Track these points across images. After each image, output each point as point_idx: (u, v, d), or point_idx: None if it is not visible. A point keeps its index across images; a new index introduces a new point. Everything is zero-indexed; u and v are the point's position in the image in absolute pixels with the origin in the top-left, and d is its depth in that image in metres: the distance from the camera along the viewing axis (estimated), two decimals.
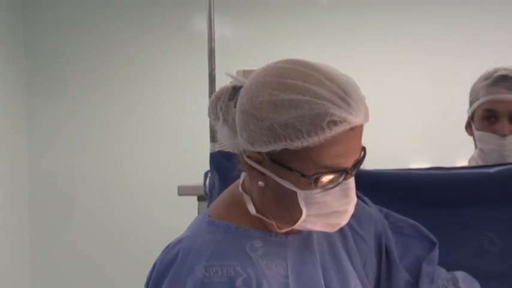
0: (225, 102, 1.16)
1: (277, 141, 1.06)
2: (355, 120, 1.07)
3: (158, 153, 4.43)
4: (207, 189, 1.30)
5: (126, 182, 4.46)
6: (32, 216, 4.56)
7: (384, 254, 1.36)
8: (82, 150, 4.53)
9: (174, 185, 2.33)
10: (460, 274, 1.40)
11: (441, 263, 1.63)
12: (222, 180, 2.00)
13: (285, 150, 1.07)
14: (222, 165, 2.00)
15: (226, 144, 1.19)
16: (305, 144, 1.05)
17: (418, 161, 4.16)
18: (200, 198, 2.22)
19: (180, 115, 4.36)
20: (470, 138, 2.10)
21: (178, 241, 1.17)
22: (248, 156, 1.12)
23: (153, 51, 4.50)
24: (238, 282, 1.10)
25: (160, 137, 4.43)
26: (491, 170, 1.76)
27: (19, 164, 4.55)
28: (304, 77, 1.07)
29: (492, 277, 1.74)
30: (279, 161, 1.08)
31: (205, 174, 1.30)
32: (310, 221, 1.13)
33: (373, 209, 1.38)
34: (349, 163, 1.10)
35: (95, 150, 4.52)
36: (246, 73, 2.30)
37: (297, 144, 1.05)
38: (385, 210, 1.40)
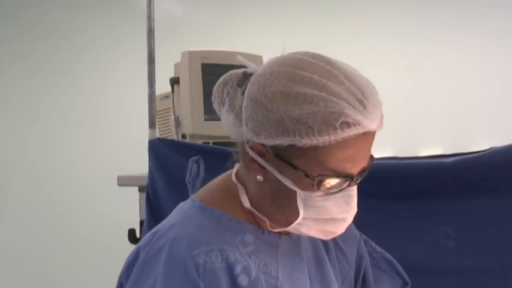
0: (233, 87, 1.15)
1: (284, 136, 1.05)
2: (369, 125, 1.06)
3: (96, 140, 4.35)
4: (191, 177, 1.28)
5: (63, 170, 4.37)
6: None
7: (360, 279, 1.36)
8: (16, 137, 4.44)
9: (114, 175, 2.28)
10: None
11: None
12: (161, 169, 2.02)
13: (292, 146, 1.06)
14: (162, 153, 2.02)
15: (228, 132, 1.17)
16: (314, 142, 1.04)
17: (380, 151, 4.17)
18: (141, 189, 2.20)
19: (119, 99, 4.30)
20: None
21: (170, 226, 1.16)
22: (251, 147, 1.11)
23: (92, 31, 4.38)
24: (238, 269, 1.11)
25: (99, 122, 4.35)
26: (448, 160, 1.78)
27: None
28: (322, 71, 1.07)
29: (447, 274, 1.77)
30: (283, 156, 1.08)
31: (192, 161, 1.27)
32: (305, 224, 1.13)
33: (356, 231, 1.38)
34: (355, 169, 1.09)
35: (30, 137, 4.42)
36: (191, 54, 2.30)
37: (306, 141, 1.04)
38: (364, 236, 1.40)
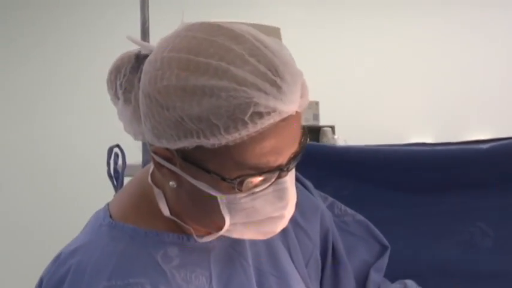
0: (126, 76, 1.03)
1: (188, 138, 0.94)
2: (287, 108, 0.93)
3: (84, 126, 4.25)
4: (112, 170, 1.15)
5: (52, 161, 4.27)
6: None
7: (329, 256, 1.26)
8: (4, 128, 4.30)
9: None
10: (410, 284, 1.30)
11: (420, 260, 1.57)
12: None
13: (199, 148, 0.94)
14: None
15: (128, 131, 1.05)
16: (223, 142, 0.93)
17: (419, 136, 4.08)
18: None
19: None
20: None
21: (71, 252, 1.05)
22: (154, 152, 0.99)
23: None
24: None
25: (86, 104, 4.22)
26: (485, 146, 1.67)
27: None
28: (221, 52, 0.93)
29: (483, 277, 1.67)
30: (193, 160, 0.96)
31: (109, 151, 1.14)
32: (236, 230, 1.03)
33: (317, 198, 1.28)
34: (282, 159, 0.98)
35: (5, 126, 4.31)
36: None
37: (213, 141, 0.93)
38: (330, 199, 1.31)
